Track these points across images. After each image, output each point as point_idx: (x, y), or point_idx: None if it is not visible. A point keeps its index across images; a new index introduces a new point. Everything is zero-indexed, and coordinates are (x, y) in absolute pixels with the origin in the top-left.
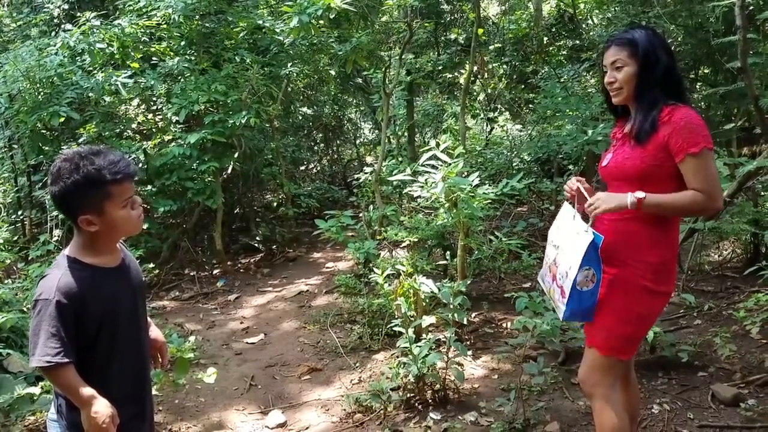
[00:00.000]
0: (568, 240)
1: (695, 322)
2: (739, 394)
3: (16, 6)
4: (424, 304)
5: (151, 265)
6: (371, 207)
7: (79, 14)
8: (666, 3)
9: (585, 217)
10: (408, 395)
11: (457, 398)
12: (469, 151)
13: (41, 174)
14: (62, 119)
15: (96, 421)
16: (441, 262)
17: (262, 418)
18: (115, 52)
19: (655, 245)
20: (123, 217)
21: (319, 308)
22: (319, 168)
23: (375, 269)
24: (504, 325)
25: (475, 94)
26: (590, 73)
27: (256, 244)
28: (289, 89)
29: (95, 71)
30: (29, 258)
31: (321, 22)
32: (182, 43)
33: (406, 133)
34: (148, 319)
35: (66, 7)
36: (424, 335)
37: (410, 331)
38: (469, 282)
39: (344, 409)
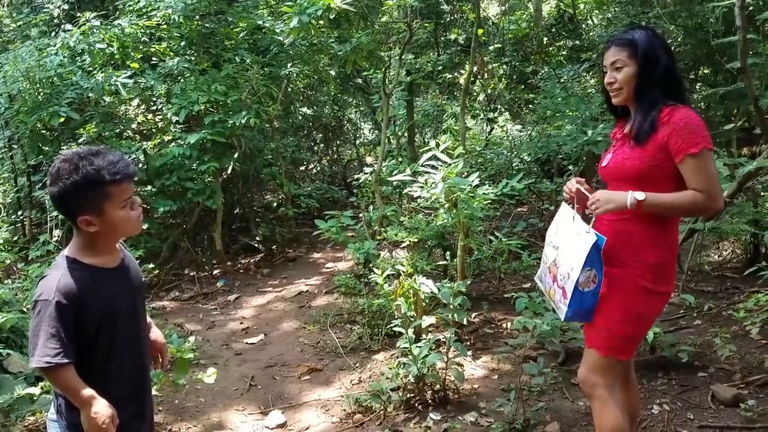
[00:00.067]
0: (569, 241)
1: (695, 322)
2: (738, 394)
3: (16, 6)
4: (424, 304)
5: (151, 266)
6: (371, 207)
7: (79, 14)
8: (666, 3)
9: (585, 218)
10: (408, 395)
11: (457, 398)
12: (469, 151)
13: (41, 174)
14: (62, 119)
15: (96, 422)
16: (441, 263)
17: (262, 419)
18: (115, 52)
19: (655, 245)
20: (122, 218)
21: (319, 308)
22: (319, 168)
23: (375, 269)
24: (504, 325)
25: (475, 94)
26: (590, 74)
27: (256, 245)
28: (289, 89)
29: (95, 71)
30: (29, 258)
31: (321, 22)
32: (182, 43)
33: (406, 134)
34: (149, 319)
35: (66, 7)
36: (424, 335)
37: (410, 331)
38: (469, 282)
39: (344, 410)
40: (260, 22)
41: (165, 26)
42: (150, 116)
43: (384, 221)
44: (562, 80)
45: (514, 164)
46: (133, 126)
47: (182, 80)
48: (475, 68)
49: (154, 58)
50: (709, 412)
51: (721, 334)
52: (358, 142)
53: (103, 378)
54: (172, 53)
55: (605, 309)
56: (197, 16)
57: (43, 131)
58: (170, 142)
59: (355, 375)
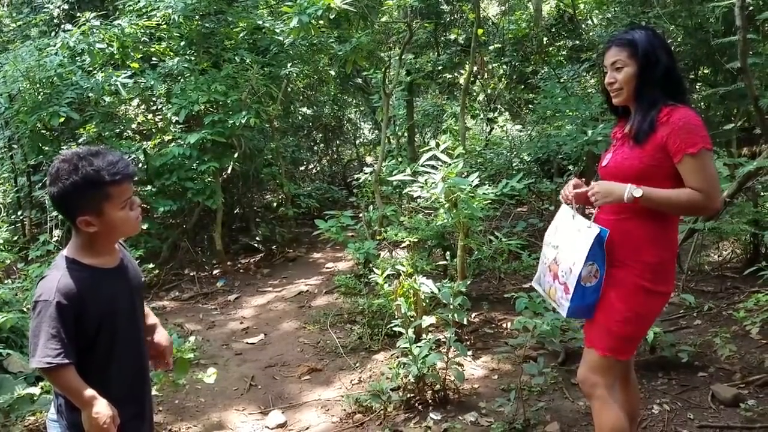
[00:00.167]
0: (569, 238)
1: (695, 322)
2: (739, 394)
3: (16, 6)
4: (424, 304)
5: (151, 265)
6: (371, 207)
7: (79, 14)
8: (666, 3)
9: (585, 216)
10: (408, 395)
11: (457, 398)
12: (469, 151)
13: (41, 174)
14: (62, 119)
15: (97, 422)
16: (441, 263)
17: (262, 419)
18: (115, 52)
19: (654, 245)
20: (122, 218)
21: (319, 308)
22: (318, 168)
23: (375, 269)
24: (504, 325)
25: (474, 94)
26: (590, 74)
27: (256, 245)
28: (289, 89)
29: (95, 71)
30: (29, 258)
31: (321, 22)
32: (182, 43)
33: (406, 134)
34: (155, 319)
35: (66, 7)
36: (424, 335)
37: (410, 331)
38: (469, 282)
39: (344, 410)
40: (260, 22)
41: (165, 26)
42: (150, 116)
43: (384, 221)
44: (562, 80)
45: (514, 164)
46: (133, 126)
47: (182, 80)
48: (475, 68)
49: (154, 58)
50: (709, 412)
51: (721, 334)
52: (358, 142)
53: (103, 378)
54: (172, 53)
55: (605, 309)
56: (197, 16)
57: (43, 131)
58: (170, 142)
59: (355, 375)
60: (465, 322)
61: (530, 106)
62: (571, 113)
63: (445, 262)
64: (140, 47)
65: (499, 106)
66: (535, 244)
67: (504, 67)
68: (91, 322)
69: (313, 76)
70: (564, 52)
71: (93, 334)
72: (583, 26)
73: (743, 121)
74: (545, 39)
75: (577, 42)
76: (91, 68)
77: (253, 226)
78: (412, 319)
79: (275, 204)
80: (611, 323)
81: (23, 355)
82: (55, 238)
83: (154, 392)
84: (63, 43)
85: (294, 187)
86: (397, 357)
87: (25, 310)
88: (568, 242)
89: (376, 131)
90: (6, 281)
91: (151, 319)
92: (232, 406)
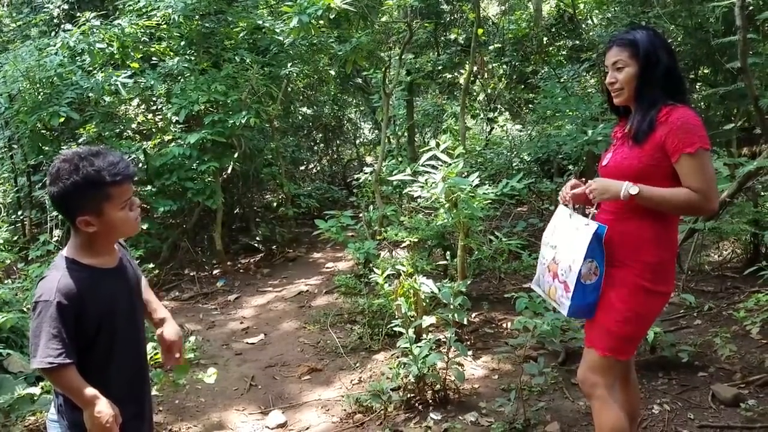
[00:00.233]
0: (567, 237)
1: (695, 322)
2: (739, 394)
3: (16, 6)
4: (424, 304)
5: (151, 265)
6: (371, 207)
7: (79, 14)
8: (666, 3)
9: (584, 215)
10: (408, 395)
11: (457, 398)
12: (469, 151)
13: (41, 174)
14: (62, 119)
15: (99, 421)
16: (441, 263)
17: (263, 419)
18: (115, 52)
19: (653, 245)
20: (121, 219)
21: (319, 308)
22: (319, 168)
23: (375, 269)
24: (504, 325)
25: (475, 94)
26: (590, 74)
27: (256, 244)
28: (289, 89)
29: (95, 71)
30: (29, 258)
31: (321, 22)
32: (182, 43)
33: (406, 133)
34: (165, 313)
35: (66, 7)
36: (424, 335)
37: (410, 331)
38: (469, 282)
39: (344, 410)
40: (260, 22)
41: (165, 26)
42: (150, 116)
43: (384, 221)
44: (562, 80)
45: (514, 164)
46: (133, 126)
47: (182, 80)
48: (475, 68)
49: (154, 58)
50: (710, 412)
51: (721, 333)
52: (358, 141)
53: (102, 378)
54: (172, 53)
55: (605, 309)
56: (197, 16)
57: (43, 131)
58: (170, 142)
59: (356, 375)
60: (465, 322)
61: (530, 106)
62: (571, 113)
63: (445, 262)
64: (140, 47)
65: (499, 106)
66: (535, 244)
67: (504, 67)
68: (90, 322)
69: (313, 76)
70: (564, 52)
71: (93, 334)
72: (583, 26)
73: (743, 121)
74: (545, 39)
75: (577, 42)
76: (91, 68)
77: (253, 226)
78: (413, 319)
79: (275, 204)
80: (611, 323)
81: (23, 355)
82: (55, 238)
83: (154, 392)
84: (63, 43)
85: (294, 187)
86: (398, 357)
87: (25, 310)
88: (567, 241)
89: (376, 131)
90: (6, 281)
91: (161, 312)
92: (233, 406)
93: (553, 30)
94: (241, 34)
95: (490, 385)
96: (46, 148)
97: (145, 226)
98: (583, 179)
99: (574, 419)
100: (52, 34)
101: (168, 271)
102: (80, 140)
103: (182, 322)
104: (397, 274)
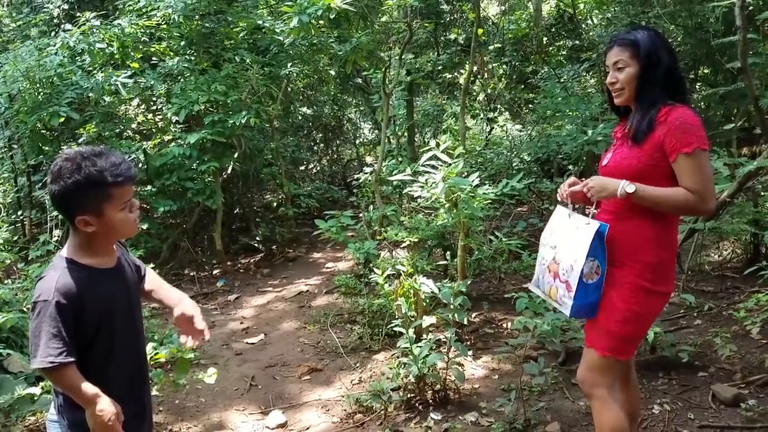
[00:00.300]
0: (568, 236)
1: (695, 322)
2: (739, 394)
3: (16, 6)
4: (424, 304)
5: (151, 265)
6: (371, 207)
7: (79, 14)
8: (666, 3)
9: (583, 214)
10: (408, 395)
11: (457, 398)
12: (469, 151)
13: (41, 174)
14: (62, 119)
15: (102, 419)
16: (441, 263)
17: (263, 419)
18: (115, 52)
19: (653, 245)
20: (121, 220)
21: (319, 308)
22: (318, 168)
23: (375, 269)
24: (504, 325)
25: (474, 94)
26: (590, 74)
27: (256, 244)
28: (289, 89)
29: (95, 71)
30: (29, 258)
31: (321, 22)
32: (182, 43)
33: (406, 133)
34: (180, 293)
35: (66, 7)
36: (424, 335)
37: (410, 331)
38: (469, 282)
39: (344, 410)
40: (260, 22)
41: (165, 26)
42: (150, 116)
43: (384, 221)
44: (562, 80)
45: (514, 164)
46: (133, 126)
47: (182, 80)
48: (475, 68)
49: (154, 58)
50: (710, 412)
51: (721, 333)
52: (358, 141)
53: (102, 378)
54: (172, 53)
55: (605, 308)
56: (197, 16)
57: (43, 131)
58: (170, 142)
59: (356, 375)
60: (465, 322)
61: (530, 106)
62: (571, 113)
63: (445, 262)
64: (140, 47)
65: (499, 106)
66: (535, 244)
67: (504, 67)
68: (89, 322)
69: (313, 76)
70: (564, 52)
71: (92, 334)
72: (583, 26)
73: (743, 121)
74: (545, 39)
75: (577, 42)
76: (91, 68)
77: (253, 226)
78: (413, 319)
79: (275, 204)
80: (611, 323)
81: (23, 355)
82: (55, 238)
83: (154, 392)
84: (63, 43)
85: (294, 187)
86: (398, 357)
87: (25, 310)
88: (567, 241)
89: (376, 131)
90: (6, 281)
91: (174, 293)
92: (233, 406)
93: (553, 30)
94: (241, 34)
95: (491, 385)
96: (46, 148)
97: (145, 226)
98: (583, 179)
99: (574, 419)
100: (52, 34)
101: (168, 271)
102: (80, 140)
103: None
104: (397, 274)
